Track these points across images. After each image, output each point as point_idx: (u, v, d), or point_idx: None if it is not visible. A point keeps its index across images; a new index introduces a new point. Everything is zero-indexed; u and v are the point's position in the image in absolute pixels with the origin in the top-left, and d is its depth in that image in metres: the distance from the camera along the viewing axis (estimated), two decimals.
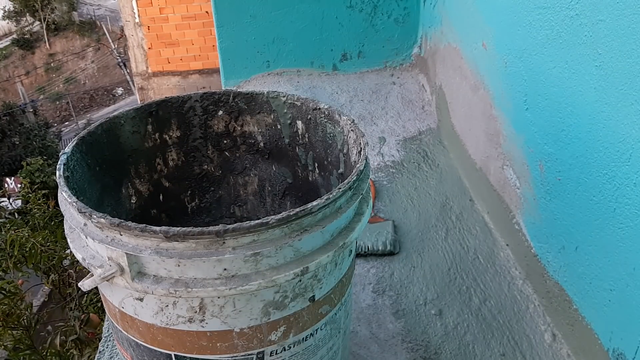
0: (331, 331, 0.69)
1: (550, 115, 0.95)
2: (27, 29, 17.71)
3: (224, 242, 0.54)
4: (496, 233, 1.23)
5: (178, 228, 0.53)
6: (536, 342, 0.98)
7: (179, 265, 0.55)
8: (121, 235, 0.55)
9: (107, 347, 0.99)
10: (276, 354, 0.64)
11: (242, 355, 0.62)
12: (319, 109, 0.81)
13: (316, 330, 0.66)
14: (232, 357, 0.62)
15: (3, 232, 2.44)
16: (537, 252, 1.05)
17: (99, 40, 17.31)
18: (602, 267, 0.83)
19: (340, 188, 0.60)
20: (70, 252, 2.74)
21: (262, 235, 0.55)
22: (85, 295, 2.48)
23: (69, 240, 0.64)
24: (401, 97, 1.77)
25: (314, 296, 0.63)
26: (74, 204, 0.58)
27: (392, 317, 1.05)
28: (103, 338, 1.01)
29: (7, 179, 8.88)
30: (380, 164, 1.51)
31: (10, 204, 3.25)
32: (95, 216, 0.56)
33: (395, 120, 1.68)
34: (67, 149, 0.69)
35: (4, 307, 2.20)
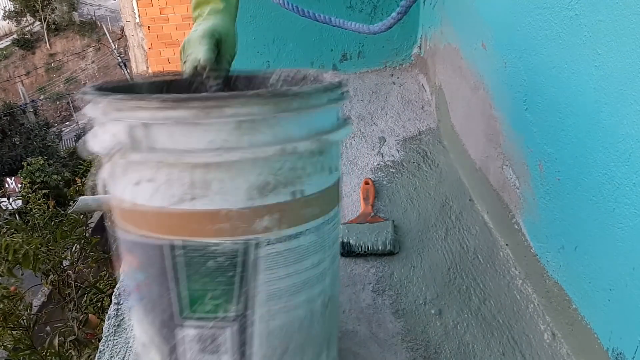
0: (316, 243, 0.70)
1: (550, 115, 0.95)
2: (27, 29, 17.71)
3: (211, 112, 0.58)
4: (496, 233, 1.23)
5: (170, 95, 0.58)
6: (536, 341, 0.98)
7: (172, 136, 0.59)
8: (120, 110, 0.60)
9: (107, 347, 0.99)
10: (261, 247, 0.65)
11: (230, 241, 0.64)
12: (307, 76, 0.88)
13: (301, 233, 0.67)
14: (221, 240, 0.64)
15: None
16: (536, 251, 1.05)
17: (99, 40, 17.31)
18: (602, 266, 0.83)
19: (329, 82, 0.68)
20: (70, 252, 2.74)
21: (248, 107, 0.59)
22: (85, 295, 2.48)
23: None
24: (401, 97, 1.77)
25: (296, 191, 0.65)
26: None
27: (392, 316, 1.05)
28: (103, 338, 1.01)
29: (8, 179, 8.89)
30: (380, 163, 1.51)
31: (10, 204, 3.25)
32: (90, 93, 0.62)
33: (395, 120, 1.68)
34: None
35: (4, 307, 2.21)
